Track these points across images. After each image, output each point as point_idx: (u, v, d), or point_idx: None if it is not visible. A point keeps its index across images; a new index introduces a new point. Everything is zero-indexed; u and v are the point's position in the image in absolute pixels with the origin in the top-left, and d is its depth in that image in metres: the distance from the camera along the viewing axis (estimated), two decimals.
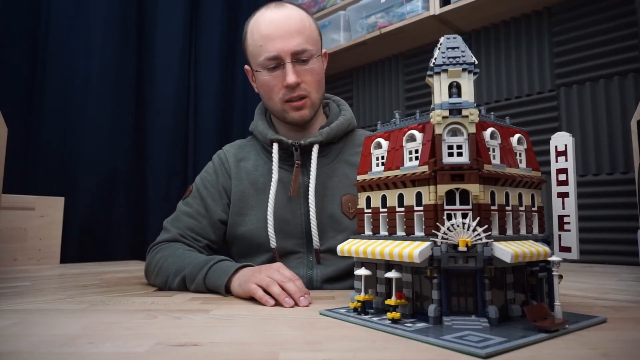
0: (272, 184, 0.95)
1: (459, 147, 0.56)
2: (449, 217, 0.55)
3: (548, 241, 0.62)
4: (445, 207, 0.55)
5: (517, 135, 0.65)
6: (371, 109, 2.16)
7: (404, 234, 0.59)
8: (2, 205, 1.08)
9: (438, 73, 0.57)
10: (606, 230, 1.42)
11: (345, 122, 1.04)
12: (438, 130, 0.56)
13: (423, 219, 0.57)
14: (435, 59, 0.57)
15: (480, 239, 0.52)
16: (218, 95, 2.07)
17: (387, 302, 0.58)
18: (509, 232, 0.58)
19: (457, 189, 0.55)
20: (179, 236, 0.99)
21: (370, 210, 0.66)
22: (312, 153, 0.97)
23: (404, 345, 0.48)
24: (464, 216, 0.54)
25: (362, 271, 0.62)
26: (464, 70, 0.56)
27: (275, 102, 0.99)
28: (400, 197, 0.60)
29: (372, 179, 0.65)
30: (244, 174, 1.03)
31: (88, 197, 1.66)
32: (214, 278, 0.83)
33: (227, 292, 0.81)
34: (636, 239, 0.92)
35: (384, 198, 0.63)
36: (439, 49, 0.58)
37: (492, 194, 0.57)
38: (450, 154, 0.56)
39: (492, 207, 0.56)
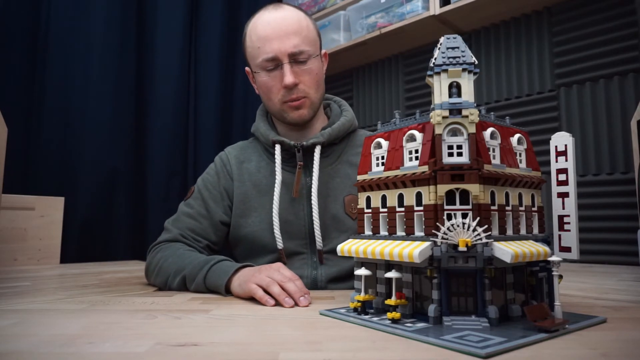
0: (275, 185, 0.96)
1: (459, 147, 0.56)
2: (449, 217, 0.55)
3: (548, 241, 0.62)
4: (445, 207, 0.55)
5: (517, 135, 0.65)
6: (371, 109, 2.16)
7: (404, 234, 0.59)
8: (2, 205, 1.08)
9: (438, 73, 0.57)
10: (606, 230, 1.42)
11: (347, 123, 1.04)
12: (438, 130, 0.56)
13: (423, 219, 0.57)
14: (435, 59, 0.57)
15: (480, 239, 0.52)
16: (218, 95, 2.07)
17: (387, 302, 0.58)
18: (509, 232, 0.58)
19: (457, 189, 0.55)
20: (179, 236, 1.00)
21: (370, 210, 0.66)
22: (315, 154, 0.97)
23: (404, 345, 0.48)
24: (464, 216, 0.54)
25: (362, 271, 0.62)
26: (464, 70, 0.56)
27: (274, 103, 1.00)
28: (400, 197, 0.60)
29: (372, 179, 0.65)
30: (246, 176, 1.04)
31: (88, 197, 1.66)
32: (214, 278, 0.83)
33: (227, 292, 0.81)
34: (636, 239, 0.92)
35: (384, 198, 0.63)
36: (439, 49, 0.58)
37: (492, 194, 0.57)
38: (450, 154, 0.56)
39: (492, 207, 0.56)
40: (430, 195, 0.56)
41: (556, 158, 0.67)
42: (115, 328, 0.57)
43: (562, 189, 0.66)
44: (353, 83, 2.25)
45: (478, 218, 0.53)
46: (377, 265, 0.63)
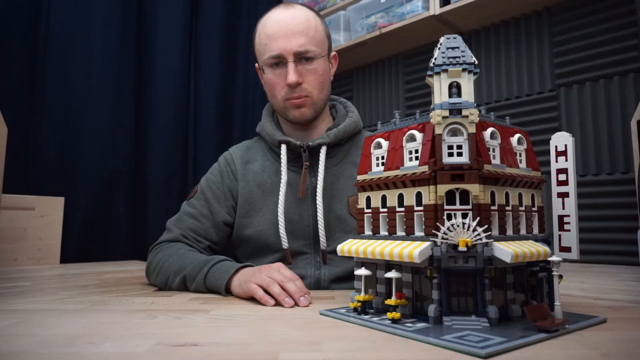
0: (281, 185, 0.96)
1: (459, 147, 0.56)
2: (449, 217, 0.55)
3: (548, 241, 0.62)
4: (445, 207, 0.55)
5: (517, 135, 0.65)
6: (371, 109, 2.16)
7: (404, 234, 0.59)
8: (2, 205, 1.08)
9: (438, 73, 0.57)
10: (606, 230, 1.42)
11: (353, 124, 1.04)
12: (438, 130, 0.56)
13: (423, 219, 0.57)
14: (435, 59, 0.57)
15: (480, 239, 0.52)
16: (218, 95, 2.07)
17: (387, 302, 0.58)
18: (509, 232, 0.58)
19: (457, 189, 0.55)
20: (181, 237, 1.00)
21: (370, 210, 0.66)
22: (320, 154, 0.97)
23: (404, 345, 0.48)
24: (464, 216, 0.54)
25: (362, 271, 0.62)
26: (464, 70, 0.56)
27: (277, 101, 1.00)
28: (400, 197, 0.60)
29: (372, 179, 0.65)
30: (250, 176, 1.04)
31: (88, 197, 1.66)
32: (214, 278, 0.83)
33: (227, 292, 0.81)
34: (636, 239, 0.92)
35: (384, 198, 0.63)
36: (439, 49, 0.58)
37: (492, 194, 0.57)
38: (450, 154, 0.56)
39: (492, 207, 0.56)
40: (430, 195, 0.56)
41: (556, 158, 0.67)
42: (115, 328, 0.57)
43: (562, 189, 0.66)
44: (353, 83, 2.25)
45: (478, 218, 0.53)
46: (377, 265, 0.63)
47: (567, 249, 0.65)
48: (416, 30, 1.82)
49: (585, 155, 1.49)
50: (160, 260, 0.95)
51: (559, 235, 0.66)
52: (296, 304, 0.71)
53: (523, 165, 0.64)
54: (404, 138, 0.61)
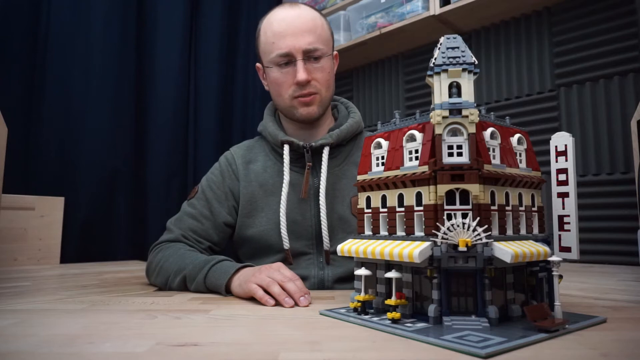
0: (283, 185, 0.96)
1: (459, 147, 0.56)
2: (449, 217, 0.55)
3: (548, 241, 0.62)
4: (445, 207, 0.55)
5: (517, 135, 0.65)
6: (371, 109, 2.16)
7: (404, 234, 0.59)
8: (2, 205, 1.08)
9: (438, 73, 0.57)
10: (606, 230, 1.42)
11: (355, 125, 1.04)
12: (438, 130, 0.56)
13: (423, 219, 0.57)
14: (435, 59, 0.57)
15: (480, 239, 0.52)
16: (218, 95, 2.07)
17: (387, 302, 0.58)
18: (509, 232, 0.58)
19: (457, 189, 0.55)
20: (181, 237, 1.00)
21: (370, 210, 0.66)
22: (323, 155, 0.97)
23: (404, 345, 0.48)
24: (464, 216, 0.54)
25: (362, 271, 0.62)
26: (464, 70, 0.56)
27: (284, 99, 1.00)
28: (400, 197, 0.60)
29: (372, 179, 0.65)
30: (252, 176, 1.04)
31: (88, 197, 1.66)
32: (214, 278, 0.83)
33: (228, 292, 0.81)
34: (636, 239, 0.92)
35: (384, 198, 0.63)
36: (439, 49, 0.58)
37: (492, 194, 0.57)
38: (450, 154, 0.56)
39: (492, 207, 0.56)
40: (430, 195, 0.56)
41: (556, 158, 0.67)
42: (115, 328, 0.57)
43: (562, 189, 0.66)
44: (353, 83, 2.25)
45: (478, 218, 0.53)
46: (377, 265, 0.63)
47: (567, 249, 0.65)
48: (416, 30, 1.82)
49: (585, 155, 1.49)
50: (161, 260, 0.95)
51: (559, 235, 0.66)
52: (296, 304, 0.71)
53: (523, 165, 0.64)
54: (404, 138, 0.61)
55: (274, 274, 0.76)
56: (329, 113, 1.08)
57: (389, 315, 0.56)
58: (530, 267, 0.60)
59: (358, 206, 0.68)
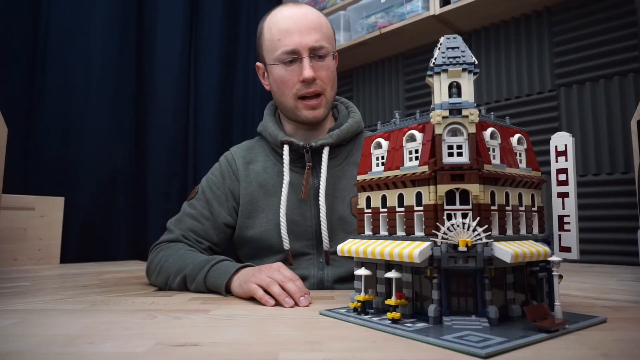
0: (283, 186, 0.96)
1: (459, 147, 0.56)
2: (449, 217, 0.55)
3: (548, 241, 0.62)
4: (445, 207, 0.55)
5: (517, 135, 0.65)
6: (371, 109, 2.16)
7: (404, 234, 0.59)
8: (2, 205, 1.08)
9: (438, 73, 0.57)
10: (606, 230, 1.42)
11: (355, 125, 1.04)
12: (438, 130, 0.56)
13: (423, 219, 0.57)
14: (435, 59, 0.57)
15: (480, 239, 0.52)
16: (218, 95, 2.07)
17: (387, 302, 0.58)
18: (509, 232, 0.58)
19: (457, 189, 0.55)
20: (181, 237, 1.00)
21: (370, 210, 0.66)
22: (323, 155, 0.97)
23: (404, 345, 0.48)
24: (464, 216, 0.54)
25: (362, 271, 0.62)
26: (464, 70, 0.56)
27: (287, 98, 0.99)
28: (400, 197, 0.60)
29: (372, 179, 0.65)
30: (252, 177, 1.03)
31: (88, 197, 1.66)
32: (214, 278, 0.83)
33: (228, 292, 0.81)
34: (636, 239, 0.92)
35: (384, 198, 0.63)
36: (439, 49, 0.58)
37: (492, 194, 0.57)
38: (450, 154, 0.56)
39: (492, 207, 0.56)
40: (430, 195, 0.56)
41: (556, 158, 0.67)
42: (115, 328, 0.57)
43: (562, 189, 0.66)
44: (353, 83, 2.25)
45: (478, 218, 0.53)
46: (377, 265, 0.63)
47: (567, 249, 0.65)
48: (416, 30, 1.82)
49: (585, 155, 1.49)
50: (161, 260, 0.95)
51: (559, 235, 0.66)
52: (296, 304, 0.71)
53: (523, 165, 0.64)
54: (404, 138, 0.61)
55: (274, 274, 0.76)
56: (329, 113, 1.08)
57: (389, 315, 0.56)
58: (530, 267, 0.60)
59: (358, 206, 0.68)
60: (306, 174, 0.97)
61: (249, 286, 0.75)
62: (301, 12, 0.98)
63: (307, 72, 0.94)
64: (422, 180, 0.57)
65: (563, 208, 0.66)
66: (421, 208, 0.57)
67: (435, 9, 1.68)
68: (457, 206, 0.55)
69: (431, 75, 0.58)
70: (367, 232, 0.66)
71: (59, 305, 0.75)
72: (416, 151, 0.59)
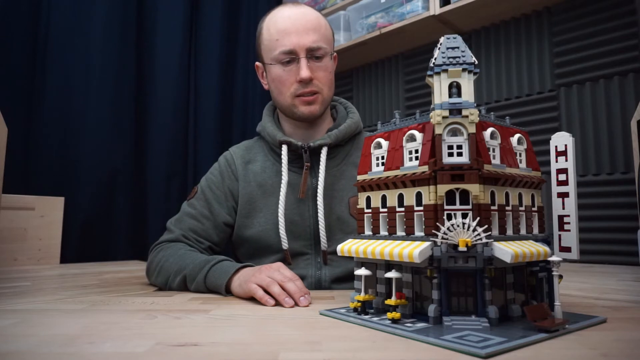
0: (282, 186, 0.96)
1: (459, 147, 0.56)
2: (449, 217, 0.55)
3: (548, 241, 0.62)
4: (445, 207, 0.55)
5: (517, 135, 0.65)
6: (371, 109, 2.16)
7: (404, 234, 0.59)
8: (2, 205, 1.08)
9: (438, 73, 0.57)
10: (606, 230, 1.42)
11: (353, 125, 1.04)
12: (438, 130, 0.56)
13: (423, 219, 0.57)
14: (435, 59, 0.57)
15: (480, 239, 0.52)
16: (218, 95, 2.07)
17: (387, 302, 0.58)
18: (509, 232, 0.58)
19: (457, 189, 0.55)
20: (181, 237, 1.00)
21: (370, 210, 0.66)
22: (321, 155, 0.97)
23: (404, 345, 0.48)
24: (464, 216, 0.54)
25: (362, 271, 0.62)
26: (464, 70, 0.56)
27: (285, 97, 0.99)
28: (400, 197, 0.60)
29: (372, 179, 0.65)
30: (251, 176, 1.04)
31: (88, 197, 1.66)
32: (214, 278, 0.83)
33: (228, 292, 0.81)
34: (636, 239, 0.92)
35: (384, 198, 0.63)
36: (439, 49, 0.58)
37: (492, 194, 0.57)
38: (450, 154, 0.56)
39: (492, 207, 0.56)
40: (430, 195, 0.56)
41: (556, 158, 0.67)
42: (115, 328, 0.57)
43: (562, 189, 0.66)
44: (353, 83, 2.25)
45: (478, 218, 0.53)
46: (377, 265, 0.63)
47: (567, 249, 0.65)
48: (416, 30, 1.82)
49: (585, 155, 1.49)
50: (161, 260, 0.95)
51: (559, 235, 0.66)
52: (296, 304, 0.71)
53: (523, 165, 0.64)
54: (404, 138, 0.61)
55: (274, 274, 0.76)
56: (327, 113, 1.08)
57: (389, 315, 0.56)
58: (530, 267, 0.60)
59: (358, 206, 0.68)
60: (304, 174, 0.97)
61: (249, 286, 0.75)
62: (300, 13, 0.98)
63: (304, 73, 0.94)
64: (422, 180, 0.57)
65: (563, 208, 0.66)
66: (421, 208, 0.57)
67: (435, 9, 1.68)
68: (457, 206, 0.55)
69: (431, 75, 0.58)
70: (367, 232, 0.66)
71: (59, 305, 0.75)
72: (416, 151, 0.59)
